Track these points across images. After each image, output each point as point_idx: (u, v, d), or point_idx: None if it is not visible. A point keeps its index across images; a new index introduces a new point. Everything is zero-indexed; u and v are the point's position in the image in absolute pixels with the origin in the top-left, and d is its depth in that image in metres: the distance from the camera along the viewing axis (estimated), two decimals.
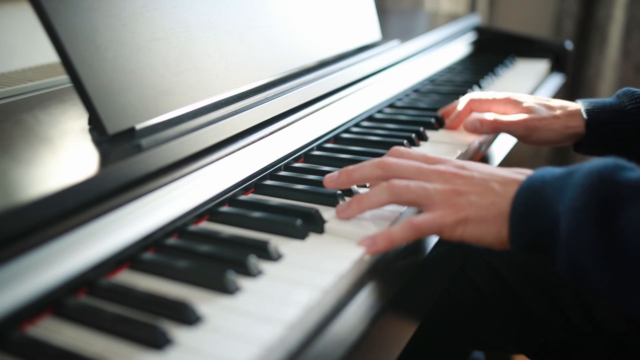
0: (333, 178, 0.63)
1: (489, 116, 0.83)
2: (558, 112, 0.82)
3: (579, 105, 0.82)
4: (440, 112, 0.94)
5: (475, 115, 0.84)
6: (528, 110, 0.82)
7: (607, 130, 0.80)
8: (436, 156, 0.61)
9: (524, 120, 0.81)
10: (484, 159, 0.88)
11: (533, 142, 0.83)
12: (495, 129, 0.81)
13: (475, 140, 0.84)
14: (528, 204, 0.52)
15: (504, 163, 0.89)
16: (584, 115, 0.80)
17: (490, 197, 0.54)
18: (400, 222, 0.57)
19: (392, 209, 0.62)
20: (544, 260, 0.79)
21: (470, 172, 0.57)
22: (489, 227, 0.54)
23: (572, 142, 0.84)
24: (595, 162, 0.50)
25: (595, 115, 0.80)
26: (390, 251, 0.58)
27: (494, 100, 0.86)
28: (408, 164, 0.60)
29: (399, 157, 0.62)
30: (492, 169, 0.58)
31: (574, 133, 0.81)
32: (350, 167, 0.62)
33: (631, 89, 0.81)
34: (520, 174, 0.56)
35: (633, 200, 0.46)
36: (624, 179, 0.48)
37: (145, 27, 0.61)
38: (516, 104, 0.84)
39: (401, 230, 0.55)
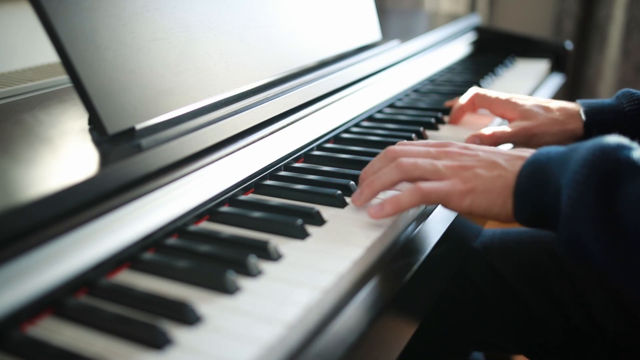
0: (357, 196, 0.62)
1: (487, 131, 0.82)
2: (556, 114, 0.82)
3: (578, 107, 0.83)
4: (446, 104, 0.97)
5: (473, 133, 0.83)
6: (526, 114, 0.83)
7: (605, 131, 0.79)
8: (439, 141, 0.63)
9: (523, 129, 0.81)
10: None
11: (533, 147, 0.81)
12: (494, 143, 0.81)
13: (475, 139, 0.85)
14: (532, 178, 0.53)
15: None
16: (583, 117, 0.81)
17: (496, 170, 0.56)
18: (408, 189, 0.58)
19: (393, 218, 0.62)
20: (545, 261, 0.79)
21: (475, 151, 0.60)
22: (496, 199, 0.55)
23: (572, 142, 0.84)
24: (598, 140, 0.51)
25: (593, 116, 0.81)
26: (390, 250, 0.58)
27: (496, 100, 0.88)
28: (418, 150, 0.61)
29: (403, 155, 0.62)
30: (496, 148, 0.61)
31: (573, 135, 0.82)
32: (369, 179, 0.61)
33: (630, 90, 0.81)
34: (525, 151, 0.58)
35: (633, 176, 0.47)
36: (625, 156, 0.49)
37: (145, 27, 0.61)
38: (515, 107, 0.85)
39: (409, 195, 0.57)
